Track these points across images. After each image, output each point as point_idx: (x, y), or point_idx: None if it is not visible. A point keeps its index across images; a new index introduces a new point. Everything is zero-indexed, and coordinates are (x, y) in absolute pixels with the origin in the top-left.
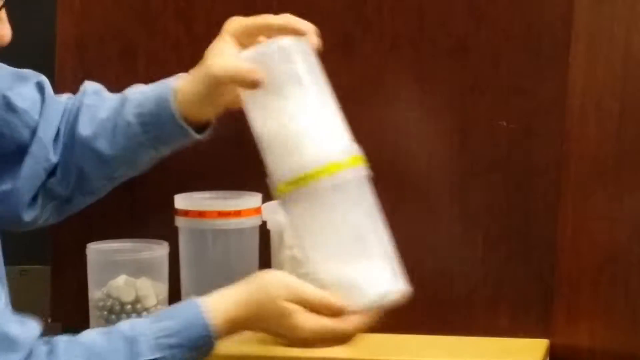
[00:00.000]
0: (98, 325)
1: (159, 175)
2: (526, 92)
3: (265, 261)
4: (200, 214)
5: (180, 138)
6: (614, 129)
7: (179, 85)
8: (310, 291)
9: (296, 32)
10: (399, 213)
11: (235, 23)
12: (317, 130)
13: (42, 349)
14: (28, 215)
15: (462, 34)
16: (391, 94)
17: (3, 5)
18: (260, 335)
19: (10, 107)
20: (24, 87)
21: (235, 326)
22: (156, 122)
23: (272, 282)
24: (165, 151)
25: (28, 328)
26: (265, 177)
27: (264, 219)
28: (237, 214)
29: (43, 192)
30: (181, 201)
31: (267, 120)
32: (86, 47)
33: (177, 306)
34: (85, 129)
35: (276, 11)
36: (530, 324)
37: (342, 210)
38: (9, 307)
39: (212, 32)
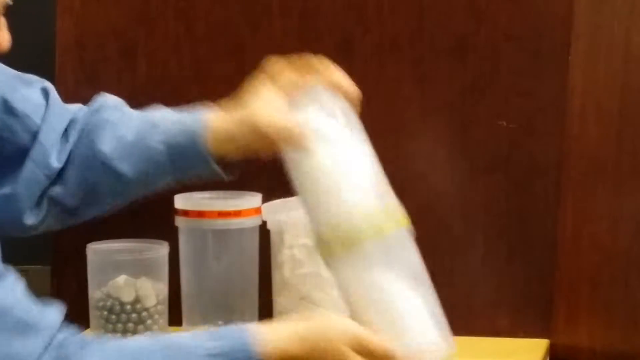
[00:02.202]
0: (98, 325)
1: None
2: (526, 92)
3: (266, 261)
4: (200, 214)
5: (206, 174)
6: (614, 129)
7: (213, 123)
8: (374, 339)
9: (337, 89)
10: None
11: (278, 69)
12: (361, 186)
13: (74, 341)
14: (29, 221)
15: (462, 34)
16: (391, 94)
17: (5, 13)
18: None
19: (10, 110)
20: (26, 91)
21: (284, 359)
22: (186, 156)
23: (335, 325)
24: (184, 180)
25: (48, 314)
26: (265, 176)
27: (264, 219)
28: (237, 214)
29: (48, 199)
30: (181, 201)
31: (307, 175)
32: (86, 47)
33: (230, 327)
34: (107, 147)
35: (276, 11)
36: (530, 324)
37: (388, 272)
38: (28, 296)
39: (212, 32)
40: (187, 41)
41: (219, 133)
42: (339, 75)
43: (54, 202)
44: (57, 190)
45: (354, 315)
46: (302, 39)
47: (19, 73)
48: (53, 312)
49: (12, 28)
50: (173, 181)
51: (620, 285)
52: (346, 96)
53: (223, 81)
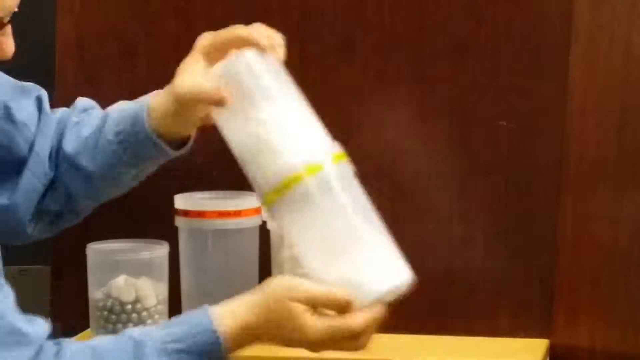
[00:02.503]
0: (98, 326)
1: (159, 175)
2: (526, 92)
3: (265, 261)
4: (200, 214)
5: (158, 155)
6: (614, 129)
7: (151, 103)
8: (315, 288)
9: (259, 46)
10: (399, 213)
11: (204, 39)
12: (292, 135)
13: (51, 349)
14: (28, 230)
15: (462, 34)
16: (391, 94)
17: (9, 21)
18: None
19: (10, 118)
20: (24, 100)
21: (245, 334)
22: (134, 140)
23: (278, 285)
24: (147, 168)
25: (38, 325)
26: None
27: (264, 219)
28: (237, 214)
29: (38, 208)
30: (181, 201)
31: (240, 134)
32: (86, 47)
33: (187, 313)
34: (69, 146)
35: (276, 11)
36: (530, 324)
37: (331, 209)
38: (16, 308)
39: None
40: (187, 41)
41: (156, 111)
42: (261, 33)
43: (44, 209)
44: (45, 197)
45: (300, 261)
46: (302, 39)
47: (16, 81)
48: (41, 324)
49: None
50: (136, 171)
51: (620, 285)
52: (272, 51)
53: None
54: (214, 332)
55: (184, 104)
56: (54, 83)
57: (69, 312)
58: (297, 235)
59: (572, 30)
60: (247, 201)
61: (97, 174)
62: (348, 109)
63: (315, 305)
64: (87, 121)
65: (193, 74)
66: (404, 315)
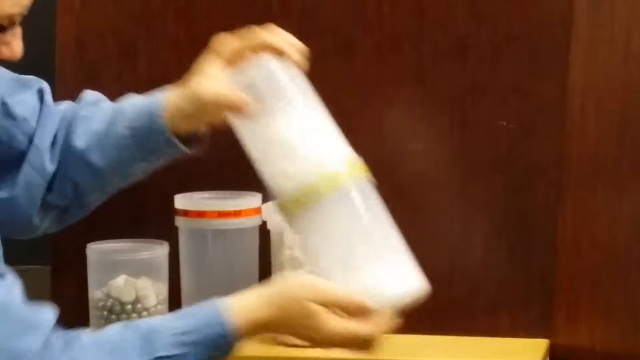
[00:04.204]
0: (98, 326)
1: (159, 175)
2: (526, 92)
3: (266, 261)
4: (200, 214)
5: (171, 151)
6: (614, 129)
7: (166, 100)
8: (336, 291)
9: (277, 52)
10: (399, 213)
11: (223, 42)
12: (313, 144)
13: (59, 340)
14: (31, 225)
15: (462, 34)
16: (391, 94)
17: (20, 23)
18: (262, 335)
19: (8, 114)
20: (24, 94)
21: (256, 327)
22: (147, 135)
23: (297, 284)
24: (157, 163)
25: (45, 313)
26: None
27: (264, 219)
28: (237, 214)
29: (44, 202)
30: (181, 201)
31: (259, 140)
32: (86, 47)
33: (198, 305)
34: (79, 140)
35: (276, 12)
36: (530, 324)
37: (348, 219)
38: (24, 296)
39: (212, 32)
40: (187, 41)
41: (172, 109)
42: (282, 39)
43: (49, 204)
44: (50, 192)
45: (318, 271)
46: (302, 39)
47: (17, 75)
48: (48, 312)
49: None
50: (147, 165)
51: (620, 285)
52: (292, 58)
53: None
54: (225, 324)
55: (203, 107)
56: (54, 83)
57: (69, 312)
58: (315, 243)
59: (572, 30)
60: (247, 201)
61: (107, 168)
62: (348, 109)
63: (333, 306)
64: (96, 115)
65: (213, 78)
66: (405, 315)
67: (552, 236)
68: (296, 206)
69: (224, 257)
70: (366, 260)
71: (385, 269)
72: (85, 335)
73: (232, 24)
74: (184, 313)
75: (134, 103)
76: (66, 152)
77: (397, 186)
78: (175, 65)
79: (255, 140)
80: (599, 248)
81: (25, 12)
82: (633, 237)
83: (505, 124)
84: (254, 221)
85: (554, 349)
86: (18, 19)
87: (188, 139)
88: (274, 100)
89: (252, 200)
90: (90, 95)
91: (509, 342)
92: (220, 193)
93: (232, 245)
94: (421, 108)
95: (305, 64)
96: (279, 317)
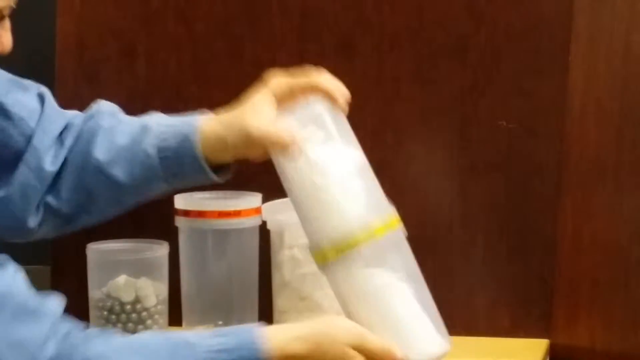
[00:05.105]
0: (98, 326)
1: None
2: (526, 92)
3: (266, 261)
4: (200, 214)
5: (197, 177)
6: (614, 129)
7: (204, 126)
8: (375, 340)
9: (327, 95)
10: (399, 213)
11: (279, 81)
12: (355, 195)
13: (80, 333)
14: (27, 226)
15: (462, 34)
16: (391, 94)
17: (9, 15)
18: None
19: (4, 113)
20: (22, 95)
21: (289, 359)
22: (177, 159)
23: (338, 326)
24: (178, 186)
25: (51, 300)
26: (265, 176)
27: (264, 219)
28: (237, 214)
29: (44, 206)
30: (181, 201)
31: (302, 181)
32: (86, 47)
33: (236, 326)
34: (101, 153)
35: (276, 12)
36: (530, 324)
37: (384, 275)
38: (28, 285)
39: (212, 32)
40: (187, 41)
41: (209, 136)
42: (333, 85)
43: (50, 209)
44: (52, 197)
45: (351, 319)
46: (302, 39)
47: (16, 77)
48: (53, 301)
49: (12, 28)
50: (167, 187)
51: (620, 285)
52: (339, 104)
53: (223, 81)
54: (259, 351)
55: (248, 140)
56: (54, 83)
57: (69, 312)
58: (349, 294)
59: (572, 30)
60: (247, 201)
61: (126, 184)
62: (348, 109)
63: (369, 354)
64: (119, 128)
65: (265, 115)
66: None
67: (552, 236)
68: (332, 251)
69: (224, 257)
70: (397, 317)
71: (416, 326)
72: (116, 336)
73: (232, 25)
74: (221, 332)
75: (162, 122)
76: (84, 161)
77: (397, 186)
78: (175, 65)
79: (298, 180)
80: (599, 248)
81: (14, 5)
82: (633, 237)
83: (505, 124)
84: (254, 221)
85: (554, 349)
86: (7, 12)
87: (217, 168)
88: (323, 144)
89: (252, 200)
90: (106, 105)
91: (509, 342)
92: (220, 193)
93: (232, 245)
94: (421, 108)
95: (347, 109)
96: (314, 354)
